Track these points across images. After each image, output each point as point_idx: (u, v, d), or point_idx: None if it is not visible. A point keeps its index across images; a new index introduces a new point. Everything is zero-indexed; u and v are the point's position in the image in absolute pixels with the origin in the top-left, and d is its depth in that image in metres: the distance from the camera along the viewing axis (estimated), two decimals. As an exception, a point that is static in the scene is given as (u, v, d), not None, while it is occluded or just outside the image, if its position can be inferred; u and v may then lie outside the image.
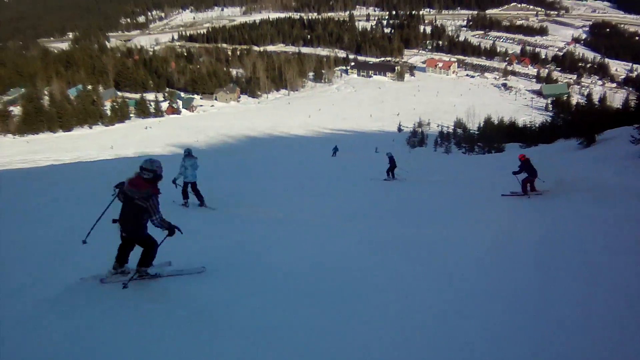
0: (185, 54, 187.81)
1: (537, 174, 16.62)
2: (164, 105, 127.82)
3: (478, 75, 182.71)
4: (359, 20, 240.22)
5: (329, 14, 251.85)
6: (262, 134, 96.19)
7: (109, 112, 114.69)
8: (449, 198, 18.21)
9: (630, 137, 20.44)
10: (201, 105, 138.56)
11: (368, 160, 25.65)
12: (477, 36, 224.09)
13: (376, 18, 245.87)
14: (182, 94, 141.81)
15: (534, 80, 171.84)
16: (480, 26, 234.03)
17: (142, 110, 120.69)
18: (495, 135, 62.61)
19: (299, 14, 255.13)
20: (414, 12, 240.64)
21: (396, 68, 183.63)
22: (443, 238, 10.99)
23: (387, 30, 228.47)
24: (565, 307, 6.46)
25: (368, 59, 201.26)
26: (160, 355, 5.29)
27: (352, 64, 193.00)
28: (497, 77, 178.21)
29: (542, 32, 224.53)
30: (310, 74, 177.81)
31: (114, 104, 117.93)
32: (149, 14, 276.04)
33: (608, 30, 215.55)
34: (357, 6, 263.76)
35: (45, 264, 8.17)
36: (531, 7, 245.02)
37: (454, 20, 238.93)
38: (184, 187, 14.49)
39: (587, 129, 30.19)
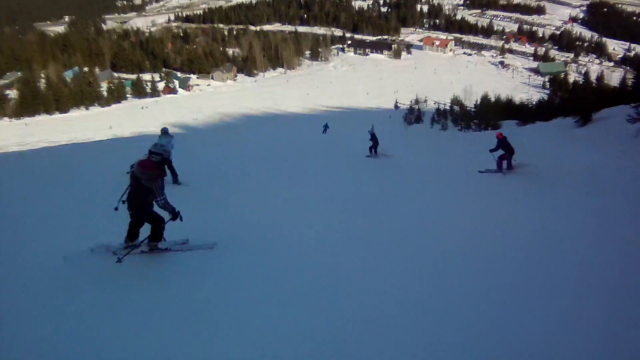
0: (182, 35, 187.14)
1: (513, 152, 16.83)
2: (161, 86, 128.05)
3: (475, 54, 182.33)
4: (356, 0, 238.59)
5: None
6: (258, 112, 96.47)
7: (105, 93, 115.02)
8: (424, 175, 18.69)
9: (627, 116, 20.58)
10: (198, 85, 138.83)
11: (357, 137, 25.99)
12: (474, 15, 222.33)
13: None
14: (179, 74, 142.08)
15: (531, 58, 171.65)
16: (477, 5, 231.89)
17: (139, 91, 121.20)
18: (491, 113, 62.09)
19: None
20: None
21: (393, 46, 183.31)
22: (406, 224, 10.81)
23: (383, 10, 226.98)
24: (536, 299, 6.42)
25: (365, 37, 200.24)
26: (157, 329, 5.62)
27: (349, 42, 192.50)
28: (494, 55, 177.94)
29: (540, 11, 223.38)
30: (307, 53, 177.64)
31: (110, 85, 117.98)
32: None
33: (605, 9, 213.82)
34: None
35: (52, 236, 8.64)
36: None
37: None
38: None
39: (584, 107, 30.25)
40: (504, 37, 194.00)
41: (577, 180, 14.34)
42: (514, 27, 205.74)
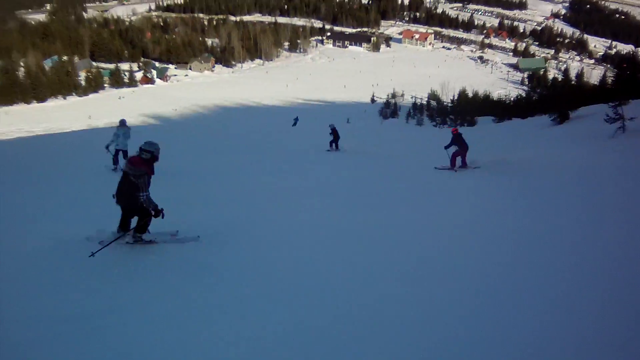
0: (162, 24, 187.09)
1: (467, 148, 16.97)
2: (138, 75, 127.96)
3: (454, 48, 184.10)
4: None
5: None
6: (233, 104, 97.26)
7: (83, 83, 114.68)
8: (379, 170, 18.97)
9: (605, 116, 19.82)
10: (175, 75, 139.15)
11: (326, 131, 26.65)
12: (455, 8, 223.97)
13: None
14: (157, 64, 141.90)
15: (511, 54, 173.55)
16: None
17: (116, 81, 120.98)
18: (468, 109, 62.17)
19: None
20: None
21: (372, 39, 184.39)
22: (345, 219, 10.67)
23: (364, 1, 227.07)
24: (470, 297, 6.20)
25: (344, 29, 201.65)
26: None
27: (328, 34, 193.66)
28: (474, 49, 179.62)
29: (522, 6, 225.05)
30: (286, 44, 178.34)
31: (89, 74, 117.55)
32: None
33: (588, 6, 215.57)
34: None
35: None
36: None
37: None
38: (115, 154, 15.81)
39: (562, 105, 29.89)
40: (485, 31, 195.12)
41: (543, 178, 13.81)
42: (495, 21, 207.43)
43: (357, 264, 7.46)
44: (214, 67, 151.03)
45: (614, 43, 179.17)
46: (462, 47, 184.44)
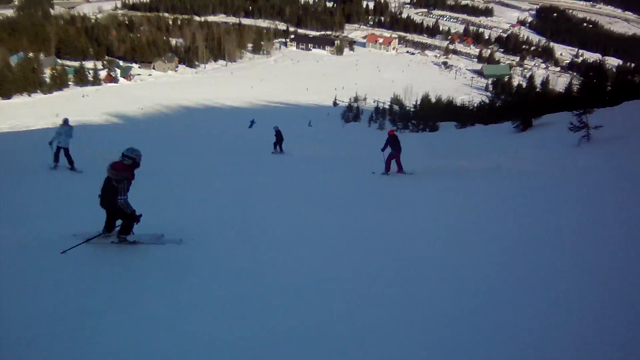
0: (127, 23, 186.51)
1: (400, 151, 16.60)
2: (102, 74, 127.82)
3: (418, 53, 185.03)
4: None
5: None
6: (196, 104, 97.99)
7: (48, 80, 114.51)
8: (319, 174, 18.93)
9: (568, 124, 19.48)
10: (139, 74, 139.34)
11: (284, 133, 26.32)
12: (420, 14, 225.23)
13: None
14: (121, 63, 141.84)
15: (476, 60, 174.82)
16: (424, 4, 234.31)
17: (81, 79, 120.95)
18: (431, 114, 61.61)
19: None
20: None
21: (336, 42, 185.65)
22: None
23: (329, 5, 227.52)
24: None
25: (309, 32, 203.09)
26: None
27: (292, 36, 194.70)
28: (438, 55, 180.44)
29: (488, 13, 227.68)
30: (250, 46, 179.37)
31: (54, 71, 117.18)
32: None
33: (555, 14, 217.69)
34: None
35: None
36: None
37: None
38: (57, 151, 15.75)
39: (525, 112, 29.66)
40: (449, 37, 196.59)
41: (494, 185, 13.91)
42: (460, 27, 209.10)
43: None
44: (177, 67, 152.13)
45: (581, 51, 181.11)
46: (427, 52, 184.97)
